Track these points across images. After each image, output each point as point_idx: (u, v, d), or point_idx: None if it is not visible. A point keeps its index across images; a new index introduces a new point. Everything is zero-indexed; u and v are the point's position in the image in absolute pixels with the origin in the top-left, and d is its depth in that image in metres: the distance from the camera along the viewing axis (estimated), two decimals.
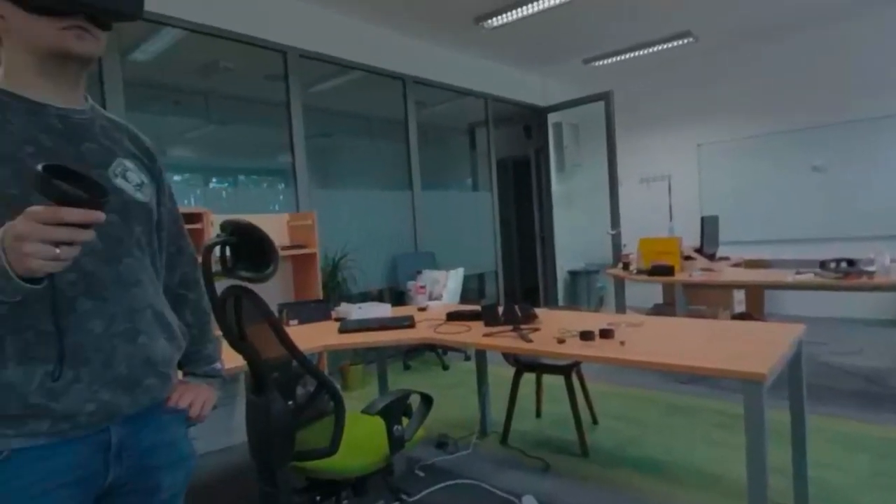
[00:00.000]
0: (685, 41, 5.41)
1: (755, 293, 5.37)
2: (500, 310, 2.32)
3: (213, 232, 3.04)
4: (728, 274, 3.72)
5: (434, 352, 4.57)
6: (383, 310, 2.73)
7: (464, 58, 5.50)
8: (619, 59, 5.83)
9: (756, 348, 1.66)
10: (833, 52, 5.35)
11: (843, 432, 2.67)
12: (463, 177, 6.16)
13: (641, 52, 5.66)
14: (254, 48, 3.85)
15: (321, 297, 3.62)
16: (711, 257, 4.41)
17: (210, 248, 1.16)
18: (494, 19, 4.54)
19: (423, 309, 2.94)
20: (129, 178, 0.94)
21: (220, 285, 1.25)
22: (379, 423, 1.63)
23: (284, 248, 3.50)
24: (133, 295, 0.91)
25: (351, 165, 4.90)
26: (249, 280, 1.16)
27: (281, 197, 4.07)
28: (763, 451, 1.45)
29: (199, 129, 3.88)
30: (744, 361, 1.53)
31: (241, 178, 4.10)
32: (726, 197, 6.06)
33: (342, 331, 2.37)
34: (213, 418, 2.55)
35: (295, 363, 1.47)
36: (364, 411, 1.63)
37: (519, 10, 4.37)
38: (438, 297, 4.06)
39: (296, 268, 3.80)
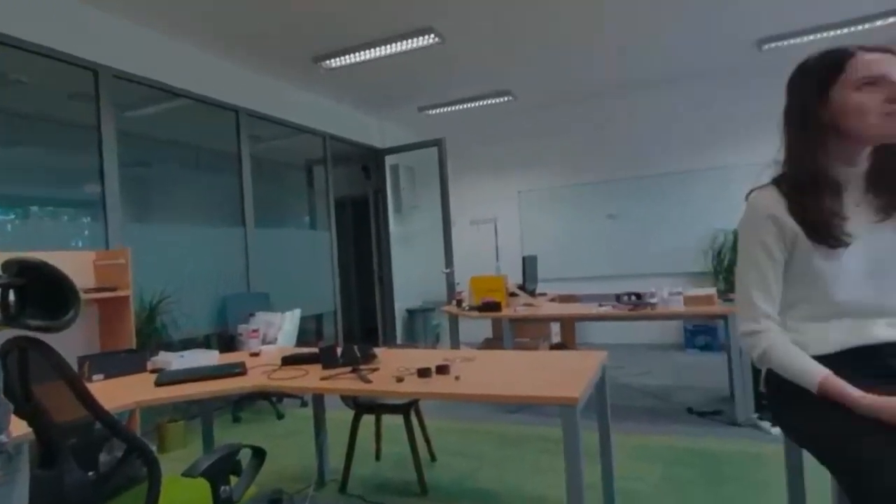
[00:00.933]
0: (506, 99, 6.04)
1: (568, 325, 6.02)
2: (339, 351, 2.29)
3: None
4: (546, 308, 4.13)
5: (268, 400, 4.29)
6: (210, 357, 2.51)
7: (303, 95, 5.46)
8: (450, 109, 6.28)
9: (570, 375, 1.86)
10: (628, 118, 6.40)
11: (639, 445, 3.08)
12: (300, 215, 6.01)
13: (469, 105, 6.17)
14: (55, 62, 3.38)
15: (134, 346, 3.20)
16: (532, 293, 4.87)
17: None
18: (333, 61, 4.61)
19: (255, 354, 2.76)
20: None
21: (2, 336, 1.05)
22: (203, 485, 1.47)
23: (89, 290, 3.05)
24: None
25: (175, 198, 4.48)
26: (40, 329, 1.00)
27: (86, 232, 3.55)
28: (579, 470, 1.62)
29: None
30: (560, 387, 1.70)
31: (34, 209, 3.50)
32: (543, 239, 6.78)
33: (159, 383, 2.12)
34: None
35: (98, 425, 1.27)
36: (185, 473, 1.46)
37: (356, 54, 4.50)
38: (273, 341, 3.84)
39: (103, 313, 3.32)
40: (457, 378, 1.93)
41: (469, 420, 3.74)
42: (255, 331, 3.19)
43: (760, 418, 3.22)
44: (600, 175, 6.54)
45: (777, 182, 1.37)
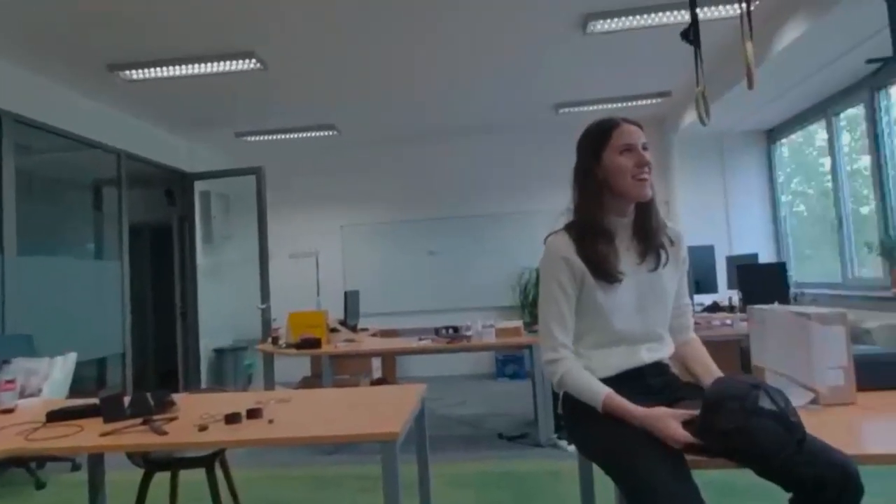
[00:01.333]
0: (330, 133, 6.02)
1: (389, 359, 6.07)
2: (127, 400, 1.96)
3: None
4: (368, 343, 4.10)
5: (25, 467, 3.48)
6: None
7: (93, 105, 4.76)
8: (271, 137, 6.04)
9: (389, 410, 1.85)
10: (447, 160, 6.81)
11: (454, 473, 3.18)
12: (83, 241, 5.14)
13: (291, 136, 6.01)
14: None
15: None
16: (354, 328, 4.81)
17: None
18: (133, 72, 4.13)
19: (9, 411, 2.23)
20: None
21: None
22: None
23: None
24: None
25: None
26: None
27: None
28: None
29: None
30: (380, 423, 1.68)
31: None
32: (366, 273, 6.79)
33: None
34: None
35: None
36: None
37: (163, 68, 4.10)
38: (36, 393, 3.15)
39: None
40: (270, 421, 1.79)
41: (283, 466, 3.49)
42: (9, 382, 2.58)
43: (559, 438, 3.57)
44: (422, 213, 6.82)
45: (568, 228, 1.60)
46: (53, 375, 3.30)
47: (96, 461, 2.43)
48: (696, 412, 1.21)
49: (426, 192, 6.84)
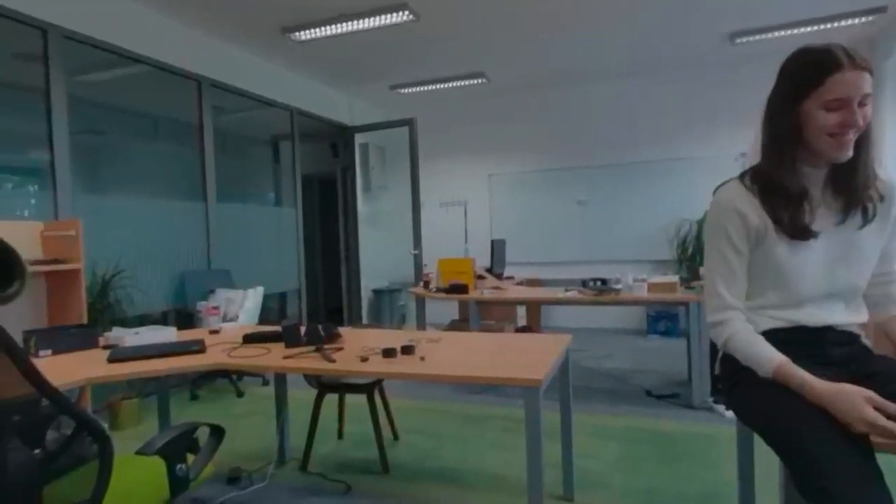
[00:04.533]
0: (479, 81, 5.99)
1: (534, 308, 6.10)
2: (303, 330, 2.25)
3: None
4: (513, 292, 4.16)
5: (227, 378, 4.20)
6: (167, 334, 2.43)
7: (270, 66, 5.29)
8: (422, 89, 6.19)
9: (534, 357, 1.88)
10: (594, 106, 6.44)
11: (598, 425, 3.16)
12: (265, 190, 5.85)
13: (442, 86, 6.10)
14: (1, 19, 3.16)
15: (85, 321, 3.07)
16: (499, 276, 4.89)
17: None
18: (302, 33, 4.46)
19: (215, 332, 2.69)
20: None
21: None
22: (157, 463, 1.43)
23: (36, 262, 2.90)
24: None
25: (130, 169, 4.29)
26: None
27: (33, 201, 3.37)
28: (539, 449, 1.64)
29: None
30: (524, 370, 1.72)
31: None
32: (512, 222, 6.81)
33: (112, 360, 2.04)
34: None
35: (45, 402, 1.21)
36: (139, 452, 1.42)
37: (327, 27, 4.37)
38: (234, 319, 3.76)
39: (52, 287, 3.17)
40: (422, 359, 1.92)
41: (432, 400, 3.76)
42: (215, 308, 3.10)
43: (715, 402, 3.34)
44: (571, 161, 6.58)
45: (742, 177, 1.40)
46: (247, 305, 3.90)
47: (280, 379, 2.85)
48: None
49: (576, 138, 6.55)
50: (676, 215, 6.03)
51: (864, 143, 1.28)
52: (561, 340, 2.16)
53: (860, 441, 1.07)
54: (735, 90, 5.82)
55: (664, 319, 5.89)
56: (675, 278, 3.63)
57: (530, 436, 1.65)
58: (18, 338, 2.16)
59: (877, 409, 1.07)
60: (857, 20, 4.64)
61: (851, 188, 1.31)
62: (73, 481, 1.32)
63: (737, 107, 5.84)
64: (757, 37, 4.90)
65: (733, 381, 1.40)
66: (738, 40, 4.99)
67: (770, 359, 1.26)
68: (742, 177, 1.40)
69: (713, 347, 1.48)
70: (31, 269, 2.34)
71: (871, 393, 1.09)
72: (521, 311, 5.89)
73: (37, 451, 1.22)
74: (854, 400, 1.08)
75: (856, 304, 1.38)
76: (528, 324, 5.85)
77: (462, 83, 6.04)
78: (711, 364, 1.55)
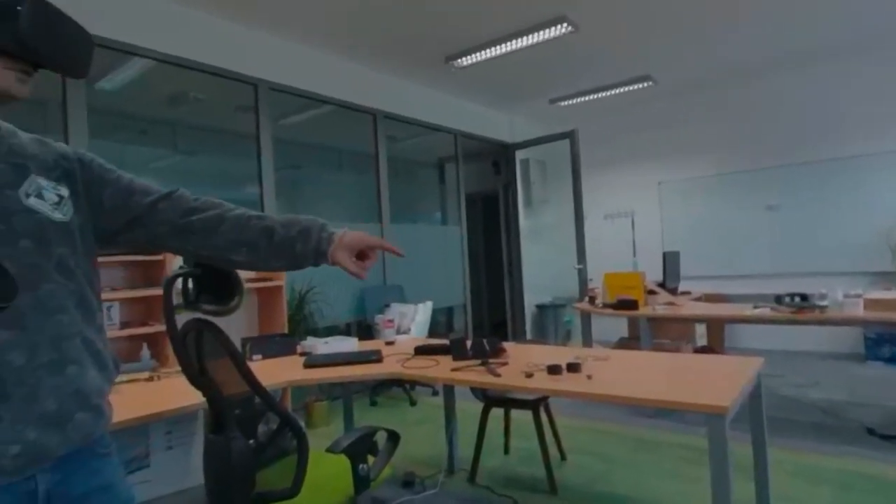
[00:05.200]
0: (645, 84, 5.66)
1: (716, 327, 5.50)
2: (469, 344, 2.32)
3: (175, 264, 2.96)
4: (690, 308, 3.81)
5: (401, 387, 4.50)
6: (350, 344, 2.69)
7: (434, 94, 5.62)
8: (583, 99, 6.05)
9: (718, 381, 1.69)
10: (785, 99, 5.68)
11: (803, 464, 2.72)
12: (432, 211, 6.21)
13: (604, 94, 5.89)
14: (224, 79, 3.85)
15: (286, 331, 3.54)
16: (673, 291, 4.52)
17: (172, 281, 1.14)
18: (464, 59, 4.67)
19: (390, 343, 2.90)
20: (44, 197, 0.86)
21: (181, 319, 1.21)
22: (344, 461, 1.58)
23: (250, 280, 3.44)
24: (58, 322, 0.84)
25: (320, 197, 4.89)
26: (212, 313, 1.14)
27: None
28: (727, 484, 1.46)
29: (166, 158, 3.83)
30: (707, 395, 1.55)
31: None
32: (686, 233, 6.26)
33: (307, 366, 2.32)
34: (168, 459, 2.43)
35: (257, 400, 1.42)
36: (328, 450, 1.58)
37: (487, 50, 4.52)
38: (406, 331, 4.02)
39: (261, 301, 3.72)
40: (589, 377, 1.85)
41: (601, 421, 3.58)
42: (390, 321, 3.36)
43: None
44: (755, 162, 5.86)
45: None
46: (417, 318, 4.14)
47: (449, 390, 2.97)
48: None
49: (759, 136, 5.82)
50: (894, 217, 5.01)
51: None
52: (751, 363, 1.91)
53: None
54: None
55: (889, 343, 4.89)
56: None
57: (715, 468, 1.48)
58: (237, 344, 2.57)
59: None
60: None
61: None
62: (277, 470, 1.52)
63: None
64: None
65: None
66: None
67: None
68: None
69: None
70: (246, 286, 2.79)
71: None
72: (701, 330, 5.35)
73: (251, 441, 1.43)
74: None
75: None
76: (709, 344, 5.29)
77: (626, 89, 5.77)
78: None
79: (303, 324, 3.94)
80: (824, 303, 3.15)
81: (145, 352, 2.90)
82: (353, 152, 5.11)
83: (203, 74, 3.72)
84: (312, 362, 2.34)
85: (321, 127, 4.80)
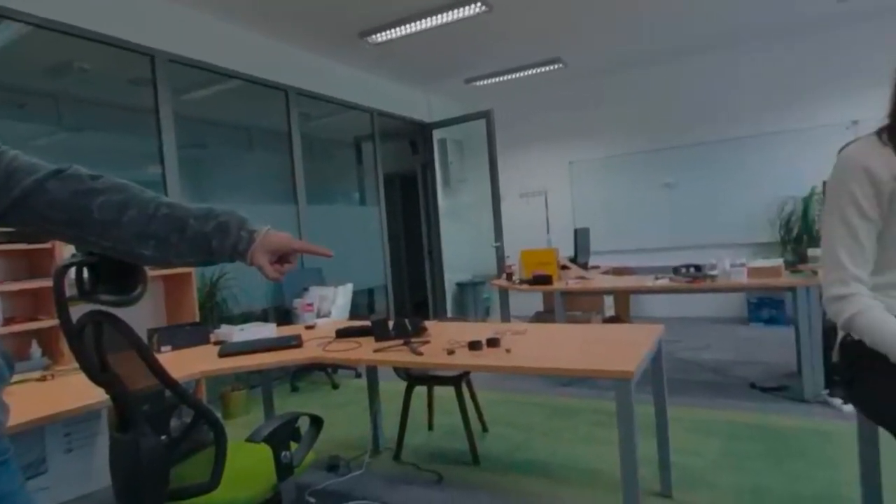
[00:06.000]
0: (556, 66, 5.85)
1: (622, 298, 5.89)
2: (391, 324, 2.32)
3: (66, 252, 2.71)
4: (599, 281, 4.04)
5: (323, 371, 4.44)
6: (268, 330, 2.60)
7: (349, 71, 5.47)
8: (497, 80, 6.14)
9: (624, 349, 1.82)
10: (682, 84, 6.09)
11: (698, 419, 3.00)
12: (350, 191, 6.09)
13: (518, 75, 6.02)
14: (115, 49, 3.52)
15: (198, 319, 3.36)
16: (584, 266, 4.77)
17: (63, 271, 1.04)
18: (378, 35, 4.58)
19: (310, 327, 2.84)
20: None
21: (77, 311, 1.12)
22: (265, 450, 1.54)
23: (154, 267, 3.21)
24: None
25: (229, 178, 4.63)
26: (112, 304, 1.05)
27: None
28: (633, 443, 1.59)
29: (49, 135, 3.46)
30: (615, 361, 1.67)
31: None
32: (596, 210, 6.60)
33: (222, 354, 2.22)
34: (68, 462, 2.26)
35: (168, 393, 1.34)
36: (248, 439, 1.54)
37: (402, 27, 4.45)
38: (327, 314, 3.95)
39: (168, 289, 3.50)
40: (508, 351, 1.92)
41: (519, 392, 3.74)
42: (309, 305, 3.29)
43: (831, 395, 3.06)
44: (656, 143, 6.26)
45: (879, 132, 1.22)
46: (338, 301, 4.08)
47: (372, 372, 2.97)
48: None
49: (661, 118, 6.22)
50: (778, 193, 5.57)
51: None
52: (653, 330, 2.07)
53: None
54: (844, 53, 5.26)
55: (767, 307, 5.47)
56: (779, 261, 3.36)
57: (623, 430, 1.60)
58: (143, 336, 2.41)
59: None
60: None
61: None
62: (194, 464, 1.45)
63: (845, 70, 5.28)
64: None
65: (855, 370, 1.25)
66: None
67: None
68: (879, 132, 1.22)
69: (828, 334, 1.34)
70: (151, 273, 2.60)
71: None
72: (609, 302, 5.71)
73: (163, 437, 1.35)
74: None
75: None
76: (617, 314, 5.65)
77: (538, 70, 5.92)
78: (826, 352, 1.41)
79: (216, 311, 3.76)
80: (714, 272, 3.47)
81: (35, 349, 2.65)
82: (264, 130, 4.87)
83: (90, 42, 3.38)
84: (228, 351, 2.25)
85: (228, 103, 4.53)
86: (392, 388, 3.46)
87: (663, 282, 3.57)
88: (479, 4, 4.12)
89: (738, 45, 5.70)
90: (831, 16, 5.00)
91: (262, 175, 4.84)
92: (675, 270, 3.64)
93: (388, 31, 4.52)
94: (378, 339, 2.28)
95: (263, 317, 4.47)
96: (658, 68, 6.17)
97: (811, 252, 3.68)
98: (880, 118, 1.23)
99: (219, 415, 2.21)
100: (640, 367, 1.66)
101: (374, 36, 4.59)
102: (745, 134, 5.80)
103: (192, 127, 4.11)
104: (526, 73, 5.99)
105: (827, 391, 3.09)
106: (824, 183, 1.26)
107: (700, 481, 2.32)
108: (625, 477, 1.60)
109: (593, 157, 6.65)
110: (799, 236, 5.38)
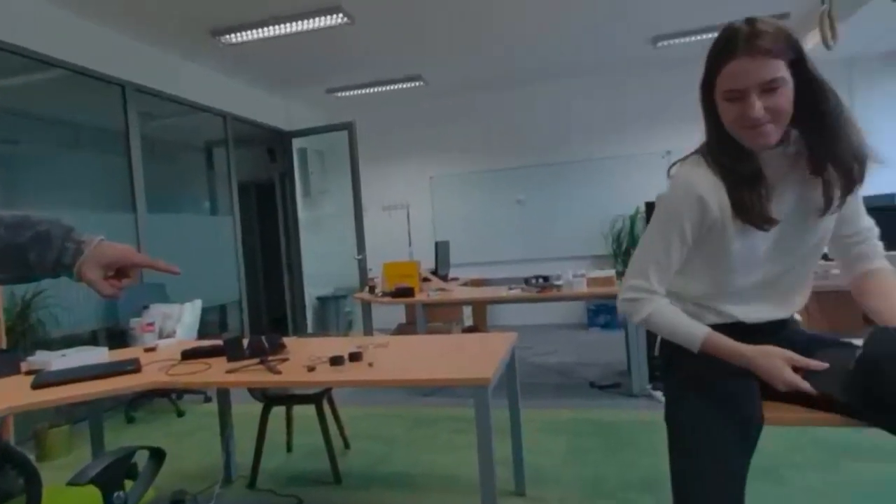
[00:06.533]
0: (417, 84, 6.01)
1: (479, 308, 6.19)
2: (246, 342, 2.19)
3: None
4: (458, 293, 4.20)
5: (166, 397, 4.01)
6: (97, 355, 2.29)
7: (200, 70, 5.09)
8: (360, 92, 6.14)
9: (481, 357, 1.91)
10: (535, 106, 6.61)
11: (547, 420, 3.25)
12: (200, 199, 5.63)
13: (380, 89, 6.08)
14: None
15: (4, 345, 2.86)
16: (444, 278, 4.93)
17: None
18: (233, 35, 4.33)
19: (151, 349, 2.57)
20: None
21: None
22: (92, 493, 1.35)
23: None
24: None
25: (51, 180, 4.02)
26: None
27: None
28: (490, 447, 1.67)
29: None
30: (472, 369, 1.74)
31: None
32: (455, 224, 6.87)
33: (36, 386, 1.91)
34: None
35: None
36: (71, 482, 1.34)
37: (259, 30, 4.26)
38: (171, 335, 3.60)
39: None
40: (370, 364, 1.92)
41: (383, 405, 3.74)
42: (149, 324, 2.97)
43: (653, 388, 3.51)
44: (509, 161, 6.72)
45: (703, 154, 1.27)
46: (184, 319, 3.74)
47: (224, 394, 2.76)
48: (820, 364, 1.11)
49: (515, 139, 6.70)
50: (610, 212, 6.28)
51: (816, 125, 1.16)
52: (507, 339, 2.20)
53: (739, 479, 1.12)
54: (660, 91, 6.13)
55: (603, 313, 6.12)
56: (611, 272, 3.78)
57: (481, 434, 1.67)
58: None
59: (797, 368, 1.12)
60: None
61: (822, 163, 1.18)
62: None
63: (662, 107, 6.15)
64: (677, 40, 5.18)
65: (668, 367, 1.40)
66: (660, 44, 5.26)
67: (695, 332, 1.24)
68: (703, 154, 1.27)
69: (651, 335, 1.48)
70: None
71: (791, 354, 1.13)
72: (468, 312, 5.96)
73: None
74: (774, 362, 1.13)
75: (791, 296, 1.34)
76: (475, 324, 5.92)
77: (400, 86, 6.04)
78: (650, 351, 1.58)
79: (29, 336, 3.22)
80: (559, 282, 3.80)
81: None
82: (95, 128, 4.31)
83: None
84: (43, 381, 1.94)
85: (50, 95, 3.94)
86: (247, 410, 3.24)
87: (516, 292, 3.83)
88: (341, 16, 4.09)
89: (574, 76, 6.35)
90: (648, 58, 5.80)
91: (92, 178, 4.27)
92: (527, 281, 3.93)
93: (243, 33, 4.30)
94: (231, 360, 2.13)
95: (92, 340, 3.93)
96: (509, 92, 6.64)
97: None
98: (690, 148, 1.34)
99: (32, 457, 1.86)
100: (496, 374, 1.76)
101: (228, 36, 4.33)
102: (583, 157, 6.46)
103: (1, 120, 3.51)
104: (388, 88, 6.07)
105: (650, 385, 3.54)
106: (656, 199, 1.32)
107: (550, 478, 2.50)
108: (483, 479, 1.67)
109: (453, 172, 6.93)
110: (627, 250, 6.11)
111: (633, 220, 6.09)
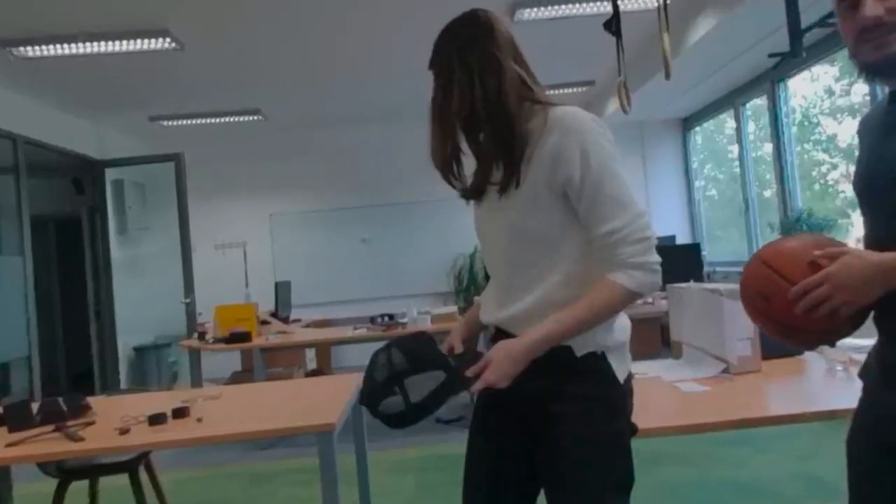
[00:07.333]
0: (255, 118, 5.78)
1: (323, 350, 5.98)
2: (35, 407, 1.82)
3: None
4: (300, 335, 4.02)
5: None
6: None
7: None
8: (190, 122, 5.71)
9: (325, 401, 1.83)
10: (376, 146, 6.72)
11: (394, 460, 3.20)
12: None
13: (214, 120, 5.72)
14: None
15: None
16: (286, 320, 4.69)
17: None
18: (28, 49, 3.76)
19: None
20: None
21: None
22: None
23: None
24: None
25: None
26: None
27: None
28: (336, 496, 1.58)
29: None
30: (316, 415, 1.65)
31: None
32: (298, 263, 6.61)
33: None
34: None
35: None
36: None
37: (65, 45, 3.76)
38: None
39: None
40: (199, 420, 1.71)
41: (216, 465, 3.36)
42: None
43: None
44: (353, 200, 6.71)
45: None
46: None
47: (2, 474, 2.24)
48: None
49: (358, 178, 6.73)
50: (452, 250, 6.57)
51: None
52: (352, 380, 2.14)
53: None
54: None
55: None
56: (454, 308, 3.94)
57: (326, 484, 1.58)
58: None
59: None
60: (575, 89, 5.76)
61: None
62: None
63: None
64: None
65: None
66: None
67: None
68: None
69: None
70: None
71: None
72: (311, 355, 5.71)
73: None
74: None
75: (512, 296, 1.16)
76: (319, 367, 5.69)
77: (236, 119, 5.74)
78: None
79: None
80: (405, 320, 3.84)
81: None
82: None
83: None
84: None
85: None
86: (35, 490, 2.68)
87: (361, 331, 3.77)
88: (168, 40, 3.79)
89: (412, 119, 6.59)
90: None
91: None
92: (372, 320, 3.90)
93: (44, 47, 3.75)
94: (14, 430, 1.75)
95: None
96: (349, 130, 6.67)
97: (477, 299, 4.44)
98: None
99: None
100: (342, 418, 1.69)
101: (22, 48, 3.75)
102: (424, 198, 6.70)
103: None
104: (224, 120, 5.73)
105: None
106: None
107: None
108: None
109: (295, 210, 6.70)
110: (468, 286, 6.42)
111: (471, 258, 6.43)
